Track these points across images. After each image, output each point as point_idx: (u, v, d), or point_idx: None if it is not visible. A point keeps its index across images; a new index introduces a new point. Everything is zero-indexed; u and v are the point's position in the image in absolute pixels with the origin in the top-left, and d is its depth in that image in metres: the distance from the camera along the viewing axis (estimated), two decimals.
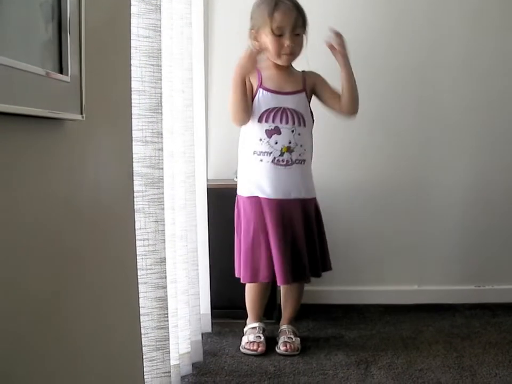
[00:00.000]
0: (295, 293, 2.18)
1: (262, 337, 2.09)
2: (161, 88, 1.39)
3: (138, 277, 1.31)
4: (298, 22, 2.04)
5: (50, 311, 0.86)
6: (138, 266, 1.31)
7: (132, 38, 1.27)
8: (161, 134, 1.40)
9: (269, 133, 2.05)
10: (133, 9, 1.28)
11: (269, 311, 2.33)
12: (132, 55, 1.27)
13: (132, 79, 1.27)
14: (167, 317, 1.42)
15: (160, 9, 1.37)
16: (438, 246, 2.69)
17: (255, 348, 2.04)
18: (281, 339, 2.10)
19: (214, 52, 2.59)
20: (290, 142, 2.06)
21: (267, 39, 2.05)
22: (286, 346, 2.06)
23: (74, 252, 0.95)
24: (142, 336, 1.32)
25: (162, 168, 1.40)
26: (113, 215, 1.15)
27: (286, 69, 2.13)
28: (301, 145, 2.08)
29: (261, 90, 2.08)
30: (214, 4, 2.61)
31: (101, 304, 1.07)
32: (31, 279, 0.79)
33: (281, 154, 2.05)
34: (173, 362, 1.62)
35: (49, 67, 0.82)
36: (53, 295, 0.87)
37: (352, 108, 2.12)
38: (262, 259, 2.04)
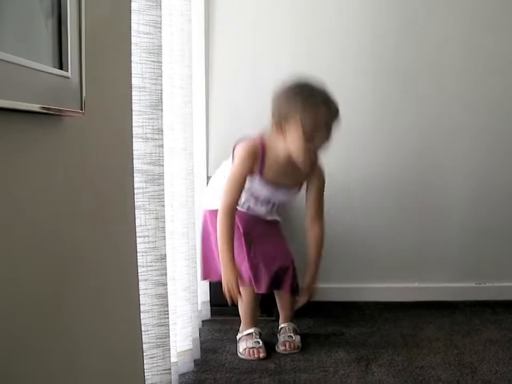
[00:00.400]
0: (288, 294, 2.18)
1: (261, 342, 2.03)
2: (161, 85, 1.39)
3: (139, 274, 1.31)
4: (335, 123, 1.94)
5: (50, 308, 0.85)
6: (138, 263, 1.31)
7: (132, 34, 1.27)
8: (162, 130, 1.39)
9: (247, 207, 2.10)
10: (133, 6, 1.28)
11: (269, 308, 2.33)
12: (132, 52, 1.27)
13: (132, 75, 1.27)
14: (168, 314, 1.41)
15: (160, 6, 1.36)
16: (438, 243, 2.69)
17: (256, 354, 1.98)
18: (281, 338, 2.09)
19: (214, 48, 2.59)
20: (265, 213, 2.13)
21: (295, 135, 1.92)
22: (285, 345, 2.05)
23: (74, 249, 0.94)
24: (142, 333, 1.32)
25: (162, 165, 1.40)
26: (114, 212, 1.15)
27: (289, 163, 2.02)
28: (273, 214, 2.16)
29: (257, 178, 2.03)
30: (215, 0, 2.61)
31: (101, 302, 1.06)
32: (30, 276, 0.79)
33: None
34: (174, 359, 1.63)
35: (49, 62, 0.81)
36: (53, 293, 0.86)
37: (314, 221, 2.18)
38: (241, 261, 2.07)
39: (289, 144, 1.95)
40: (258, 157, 2.00)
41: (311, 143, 1.93)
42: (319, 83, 1.95)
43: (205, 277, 2.20)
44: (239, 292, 1.99)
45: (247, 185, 2.02)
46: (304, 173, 2.08)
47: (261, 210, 2.12)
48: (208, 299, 2.34)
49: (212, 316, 2.36)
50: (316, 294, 2.15)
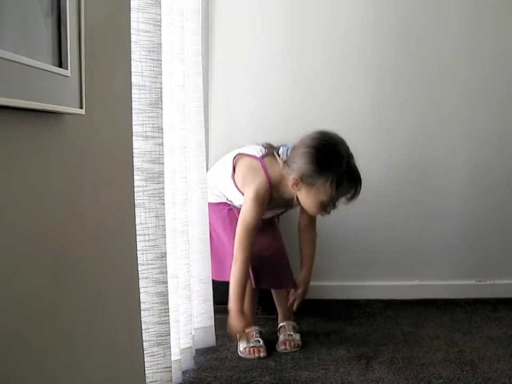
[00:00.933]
0: (284, 291, 2.20)
1: (261, 341, 2.03)
2: (161, 83, 1.39)
3: (139, 272, 1.31)
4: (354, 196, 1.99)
5: (50, 307, 0.86)
6: (138, 261, 1.31)
7: (132, 32, 1.27)
8: (162, 128, 1.39)
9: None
10: (133, 4, 1.28)
11: (270, 306, 2.33)
12: (132, 50, 1.27)
13: (132, 73, 1.27)
14: (168, 312, 1.42)
15: (160, 4, 1.36)
16: (438, 241, 2.69)
17: (256, 353, 1.98)
18: (281, 337, 2.09)
19: (214, 46, 2.58)
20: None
21: (312, 197, 1.96)
22: (286, 345, 2.05)
23: (74, 248, 0.94)
24: (143, 331, 1.32)
25: (162, 163, 1.40)
26: (114, 210, 1.15)
27: (284, 199, 2.07)
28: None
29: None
30: None
31: (101, 300, 1.07)
32: (30, 275, 0.79)
33: None
34: (175, 357, 1.63)
35: (49, 61, 0.81)
36: (53, 291, 0.86)
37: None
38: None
39: (303, 197, 1.99)
40: (266, 194, 2.02)
41: (328, 208, 1.99)
42: (347, 148, 1.98)
43: (214, 277, 2.15)
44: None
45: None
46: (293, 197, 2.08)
47: None
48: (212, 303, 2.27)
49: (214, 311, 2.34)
50: (306, 294, 2.18)
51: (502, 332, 2.19)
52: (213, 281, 2.26)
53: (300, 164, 1.94)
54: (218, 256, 2.14)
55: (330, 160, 1.94)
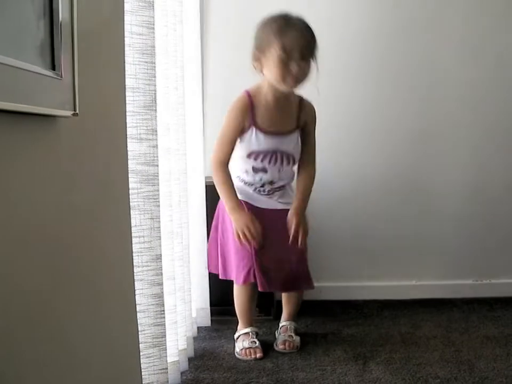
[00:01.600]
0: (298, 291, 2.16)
1: (257, 342, 2.03)
2: (155, 85, 1.39)
3: (134, 274, 1.31)
4: (309, 47, 1.93)
5: (46, 308, 0.86)
6: (134, 264, 1.31)
7: (125, 35, 1.27)
8: (156, 131, 1.40)
9: (256, 170, 2.05)
10: (126, 6, 1.28)
11: (267, 307, 2.34)
12: (125, 52, 1.27)
13: (126, 76, 1.27)
14: (164, 313, 1.42)
15: (153, 6, 1.37)
16: (435, 241, 2.69)
17: (252, 355, 1.98)
18: (281, 337, 2.09)
19: (209, 48, 2.59)
20: (274, 178, 2.07)
21: (271, 62, 1.91)
22: (285, 344, 2.04)
23: (70, 250, 0.95)
24: (139, 333, 1.32)
25: (157, 165, 1.40)
26: (108, 213, 1.15)
27: (284, 99, 2.02)
28: (283, 179, 2.10)
29: (254, 130, 2.00)
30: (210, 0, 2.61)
31: (97, 302, 1.07)
32: (25, 276, 0.79)
33: (262, 185, 2.08)
34: (172, 359, 1.63)
35: (41, 64, 0.82)
36: (49, 293, 0.87)
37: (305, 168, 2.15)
38: (249, 258, 2.01)
39: (268, 76, 1.95)
40: (247, 107, 1.99)
41: (287, 67, 1.90)
42: (297, 15, 1.96)
43: (209, 269, 2.18)
44: (257, 231, 1.97)
45: (247, 148, 2.01)
46: (295, 114, 2.06)
47: (272, 173, 2.05)
48: (208, 306, 2.30)
49: (210, 312, 2.34)
50: (307, 230, 2.07)
51: (498, 331, 2.20)
52: (210, 285, 2.27)
53: (252, 47, 1.97)
54: (224, 255, 2.10)
55: (271, 22, 1.95)
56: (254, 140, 2.00)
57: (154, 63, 1.38)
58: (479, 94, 2.65)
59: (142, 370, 1.33)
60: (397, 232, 2.69)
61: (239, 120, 1.99)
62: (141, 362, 1.32)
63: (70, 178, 0.95)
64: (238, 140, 2.02)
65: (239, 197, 2.05)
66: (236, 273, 2.04)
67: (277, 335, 2.13)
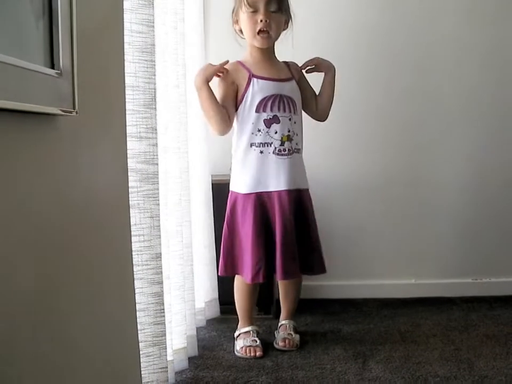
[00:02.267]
0: (295, 286, 2.14)
1: (258, 341, 2.02)
2: (155, 84, 1.39)
3: (134, 272, 1.31)
4: (282, 8, 1.99)
5: (45, 308, 0.86)
6: (134, 262, 1.31)
7: (125, 33, 1.27)
8: (156, 129, 1.40)
9: (268, 123, 1.99)
10: (126, 4, 1.28)
11: (267, 306, 2.34)
12: (125, 51, 1.27)
13: (126, 74, 1.27)
14: (164, 312, 1.42)
15: (153, 4, 1.37)
16: (434, 239, 2.69)
17: (252, 353, 1.98)
18: (281, 335, 2.09)
19: (210, 46, 2.58)
20: (289, 131, 2.01)
21: (242, 21, 2.01)
22: (285, 342, 2.04)
23: (70, 249, 0.95)
24: (139, 331, 1.32)
25: (157, 164, 1.40)
26: (108, 211, 1.15)
27: (270, 58, 2.08)
28: (297, 134, 2.04)
29: (254, 79, 2.01)
30: None
31: (96, 301, 1.07)
32: (25, 276, 0.79)
33: (282, 143, 2.00)
34: (170, 357, 1.63)
35: (41, 62, 0.82)
36: (48, 292, 0.87)
37: (327, 113, 2.15)
38: (262, 257, 1.97)
39: (245, 36, 2.03)
40: (237, 66, 2.04)
41: (256, 22, 1.97)
42: None
43: (222, 272, 2.07)
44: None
45: (253, 103, 2.00)
46: (286, 69, 2.10)
47: (285, 123, 2.01)
48: (217, 296, 2.35)
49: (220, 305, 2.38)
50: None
51: (498, 329, 2.20)
52: (218, 283, 2.27)
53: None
54: (232, 253, 2.03)
55: None
56: (256, 88, 2.01)
57: (154, 61, 1.38)
58: (476, 95, 2.65)
59: (142, 369, 1.33)
60: (397, 230, 2.69)
61: (231, 82, 2.02)
62: (141, 361, 1.33)
63: (69, 177, 0.95)
64: (242, 107, 2.01)
65: (249, 182, 2.00)
66: (246, 271, 1.99)
67: (276, 334, 2.13)
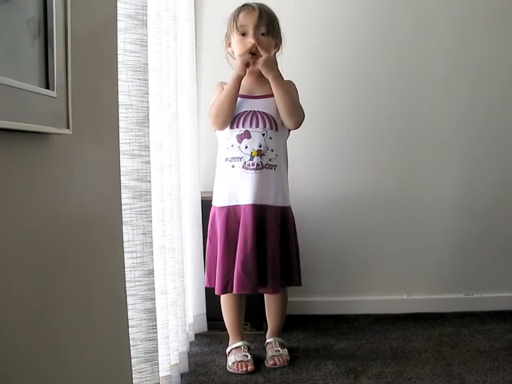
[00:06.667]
0: (278, 303, 2.15)
1: (249, 356, 2.03)
2: (148, 102, 1.41)
3: (127, 288, 1.32)
4: (262, 22, 2.05)
5: (38, 323, 0.86)
6: (126, 279, 1.32)
7: (118, 53, 1.29)
8: (149, 147, 1.41)
9: (239, 138, 2.05)
10: (120, 25, 1.30)
11: (258, 322, 2.34)
12: (118, 70, 1.29)
13: (119, 93, 1.29)
14: (156, 328, 1.42)
15: (146, 25, 1.39)
16: (426, 255, 2.71)
17: (243, 368, 1.98)
18: (269, 353, 2.09)
19: (202, 66, 2.61)
20: (260, 146, 2.04)
21: (234, 43, 2.10)
22: (274, 360, 2.04)
23: (63, 265, 0.96)
24: (131, 348, 1.33)
25: (149, 181, 1.41)
26: (101, 228, 1.16)
27: (257, 78, 2.12)
28: (272, 150, 2.05)
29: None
30: (203, 18, 2.63)
31: (89, 316, 1.07)
32: (18, 293, 0.80)
33: (251, 158, 2.03)
34: (164, 373, 1.63)
35: (36, 82, 0.83)
36: (41, 307, 0.87)
37: (292, 118, 2.09)
38: (232, 270, 2.00)
39: (235, 50, 2.11)
40: (223, 84, 2.13)
41: (245, 40, 2.06)
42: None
43: (207, 283, 2.12)
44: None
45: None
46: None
47: (257, 138, 2.04)
48: (205, 311, 2.37)
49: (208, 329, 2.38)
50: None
51: (489, 344, 2.21)
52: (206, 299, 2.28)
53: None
54: (210, 264, 2.10)
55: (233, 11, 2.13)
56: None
57: (147, 80, 1.40)
58: (467, 113, 2.68)
59: None
60: (388, 246, 2.71)
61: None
62: (133, 377, 1.33)
63: (62, 195, 0.97)
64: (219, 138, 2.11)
65: (223, 195, 2.07)
66: (217, 282, 2.04)
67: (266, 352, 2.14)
